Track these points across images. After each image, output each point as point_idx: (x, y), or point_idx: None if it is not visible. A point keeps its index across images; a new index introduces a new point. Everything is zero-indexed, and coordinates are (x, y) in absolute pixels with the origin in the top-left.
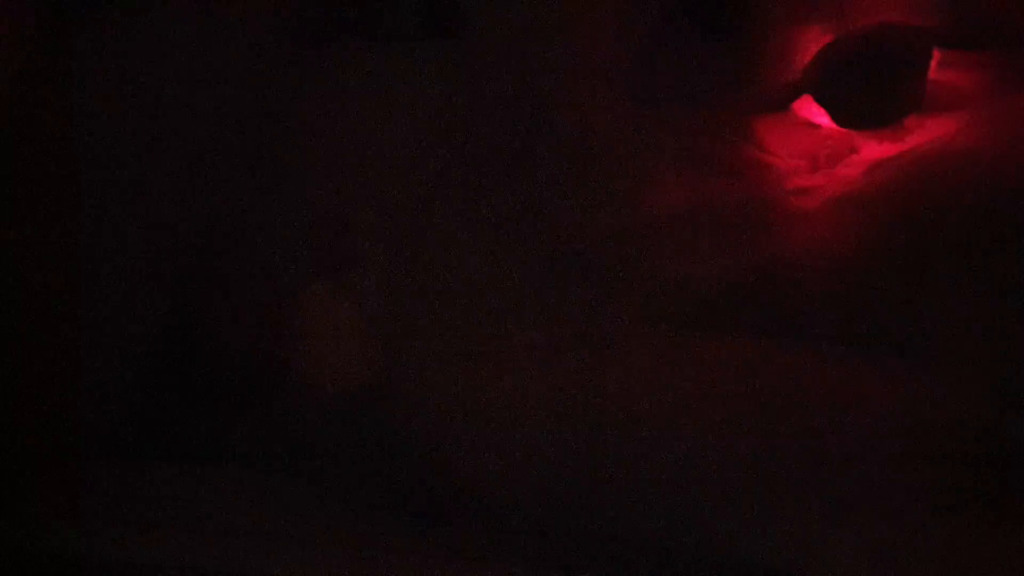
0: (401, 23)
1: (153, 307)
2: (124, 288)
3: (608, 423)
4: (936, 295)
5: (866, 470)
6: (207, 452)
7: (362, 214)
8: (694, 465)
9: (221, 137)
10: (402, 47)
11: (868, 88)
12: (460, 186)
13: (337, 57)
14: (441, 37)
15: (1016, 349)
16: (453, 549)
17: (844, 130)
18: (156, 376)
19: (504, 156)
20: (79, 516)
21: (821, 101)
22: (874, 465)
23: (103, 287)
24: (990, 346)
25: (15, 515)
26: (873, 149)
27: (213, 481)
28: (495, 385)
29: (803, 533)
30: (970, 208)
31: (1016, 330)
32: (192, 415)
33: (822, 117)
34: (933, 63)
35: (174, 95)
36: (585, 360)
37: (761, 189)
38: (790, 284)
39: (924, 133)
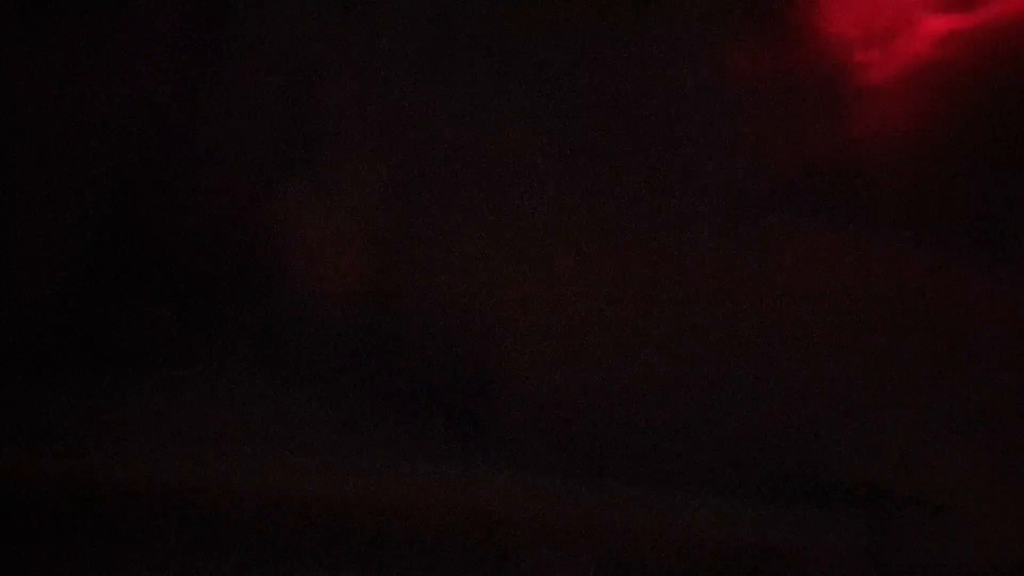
0: None
1: (91, 203)
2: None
3: (673, 324)
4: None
5: (973, 377)
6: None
7: (334, 87)
8: (777, 373)
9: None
10: None
11: None
12: (468, 33)
13: None
14: None
15: None
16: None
17: (901, 1)
18: (100, 277)
19: None
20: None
21: None
22: (979, 371)
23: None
24: None
25: None
26: (936, 22)
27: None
28: (541, 278)
29: (913, 447)
30: None
31: None
32: (145, 314)
33: None
34: None
35: None
36: (646, 250)
37: (828, 61)
38: (867, 167)
39: (999, 5)
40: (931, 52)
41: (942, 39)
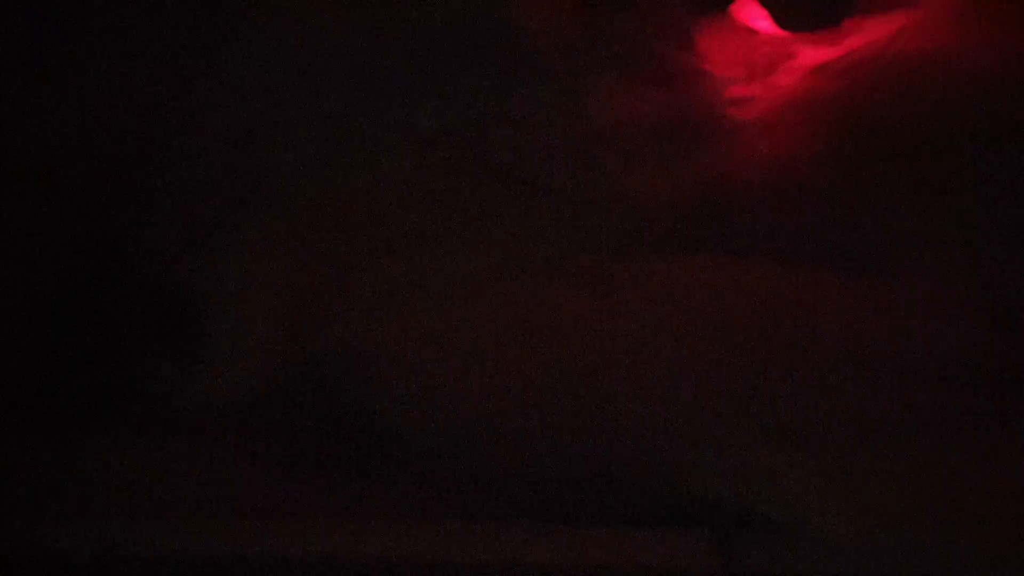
0: None
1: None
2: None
3: (550, 356)
4: (885, 206)
5: (833, 393)
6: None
7: (264, 130)
8: (651, 398)
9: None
10: None
11: None
12: (376, 98)
13: None
14: None
15: (980, 260)
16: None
17: (782, 35)
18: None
19: (426, 63)
20: None
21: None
22: (840, 388)
23: None
24: (949, 257)
25: None
26: (810, 55)
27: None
28: (425, 321)
29: (763, 462)
30: (913, 112)
31: (974, 239)
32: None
33: (760, 21)
34: None
35: None
36: (525, 288)
37: (701, 99)
38: (735, 199)
39: (863, 35)
40: (801, 85)
41: (812, 71)
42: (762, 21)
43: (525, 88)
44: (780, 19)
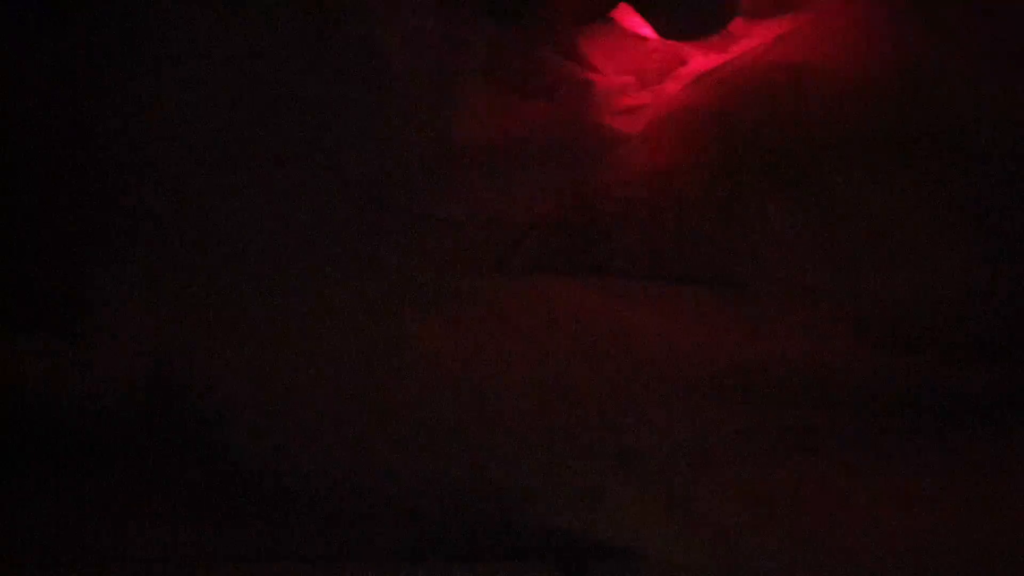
0: None
1: None
2: None
3: (405, 390)
4: (755, 219)
5: (682, 418)
6: None
7: (122, 152)
8: (502, 427)
9: None
10: None
11: None
12: (232, 120)
13: None
14: None
15: (847, 277)
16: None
17: (672, 41)
18: None
19: (283, 80)
20: None
21: (639, 8)
22: (691, 412)
23: None
24: (821, 274)
25: None
26: (700, 61)
27: None
28: (282, 356)
29: (608, 489)
30: (783, 122)
31: (842, 253)
32: None
33: (647, 28)
34: None
35: None
36: (382, 318)
37: (583, 111)
38: (612, 216)
39: (749, 40)
40: (683, 93)
41: (694, 80)
42: (648, 28)
43: (388, 105)
44: (659, 27)
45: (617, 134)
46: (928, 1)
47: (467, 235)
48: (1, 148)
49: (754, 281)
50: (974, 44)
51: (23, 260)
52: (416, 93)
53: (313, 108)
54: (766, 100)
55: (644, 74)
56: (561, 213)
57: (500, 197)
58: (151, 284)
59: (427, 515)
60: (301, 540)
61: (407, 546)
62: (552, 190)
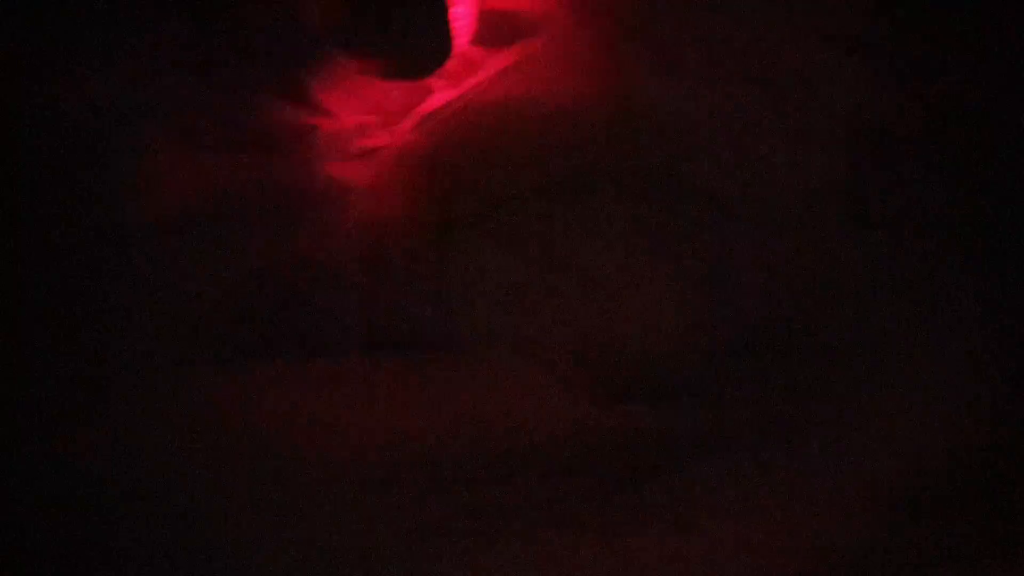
0: None
1: None
2: None
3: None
4: (472, 275)
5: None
6: None
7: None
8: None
9: None
10: None
11: (382, 31)
12: None
13: None
14: None
15: (568, 327)
16: None
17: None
18: None
19: None
20: None
21: (345, 49)
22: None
23: None
24: (541, 327)
25: None
26: (441, 95)
27: None
28: None
29: None
30: (497, 166)
31: (562, 303)
32: None
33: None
34: None
35: None
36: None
37: (303, 161)
38: (323, 283)
39: (485, 71)
40: (410, 136)
41: (420, 121)
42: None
43: (75, 169)
44: (374, 69)
45: (340, 184)
46: (647, 28)
47: (138, 326)
48: None
49: (475, 341)
50: (689, 75)
51: None
52: (104, 154)
53: None
54: (481, 141)
55: (387, 112)
56: (263, 283)
57: (185, 274)
58: None
59: None
60: None
61: None
62: (255, 256)
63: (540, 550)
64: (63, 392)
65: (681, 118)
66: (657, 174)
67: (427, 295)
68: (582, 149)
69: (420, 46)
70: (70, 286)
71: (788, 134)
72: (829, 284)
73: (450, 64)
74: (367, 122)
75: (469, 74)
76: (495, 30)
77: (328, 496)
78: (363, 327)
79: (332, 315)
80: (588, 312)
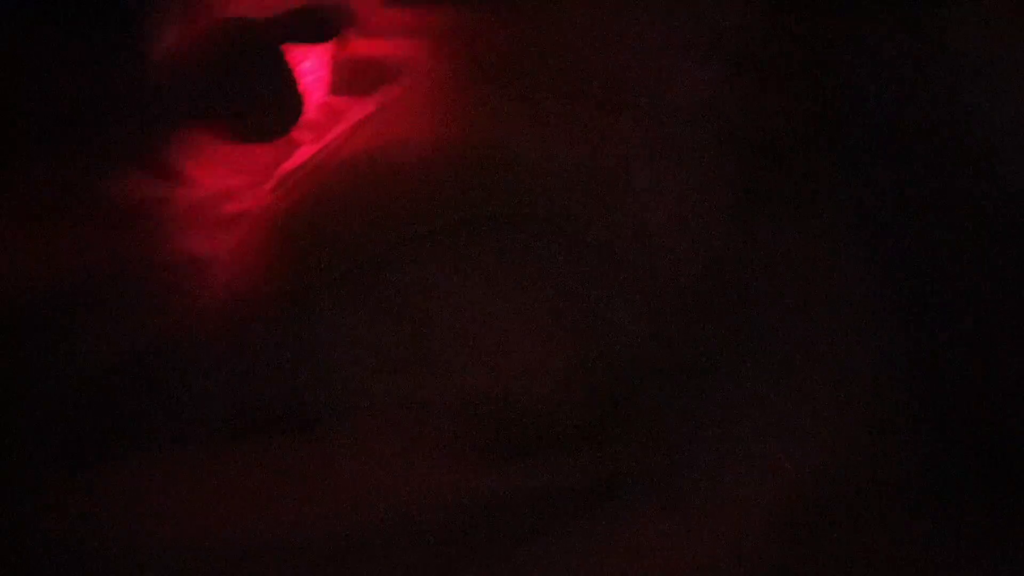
0: None
1: None
2: None
3: None
4: (333, 341)
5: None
6: None
7: None
8: None
9: None
10: None
11: (227, 94)
12: None
13: None
14: None
15: (445, 385)
16: None
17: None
18: None
19: None
20: None
21: (195, 114)
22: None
23: None
24: (414, 387)
25: None
26: (307, 148)
27: None
28: None
29: None
30: (364, 219)
31: (435, 359)
32: None
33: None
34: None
35: None
36: None
37: (158, 234)
38: (181, 368)
39: (346, 122)
40: (274, 196)
41: (284, 177)
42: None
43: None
44: (227, 134)
45: (201, 256)
46: (507, 66)
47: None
48: None
49: (349, 411)
50: (553, 113)
51: None
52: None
53: None
54: (340, 197)
55: (254, 173)
56: (121, 375)
57: (31, 371)
58: None
59: None
60: None
61: None
62: (108, 345)
63: None
64: None
65: (548, 159)
66: (528, 219)
67: (295, 367)
68: (445, 197)
69: (269, 105)
70: None
71: (664, 161)
72: (712, 295)
73: (315, 116)
74: (233, 186)
75: (334, 125)
76: (360, 75)
77: None
78: (229, 410)
79: (197, 401)
80: (467, 368)
